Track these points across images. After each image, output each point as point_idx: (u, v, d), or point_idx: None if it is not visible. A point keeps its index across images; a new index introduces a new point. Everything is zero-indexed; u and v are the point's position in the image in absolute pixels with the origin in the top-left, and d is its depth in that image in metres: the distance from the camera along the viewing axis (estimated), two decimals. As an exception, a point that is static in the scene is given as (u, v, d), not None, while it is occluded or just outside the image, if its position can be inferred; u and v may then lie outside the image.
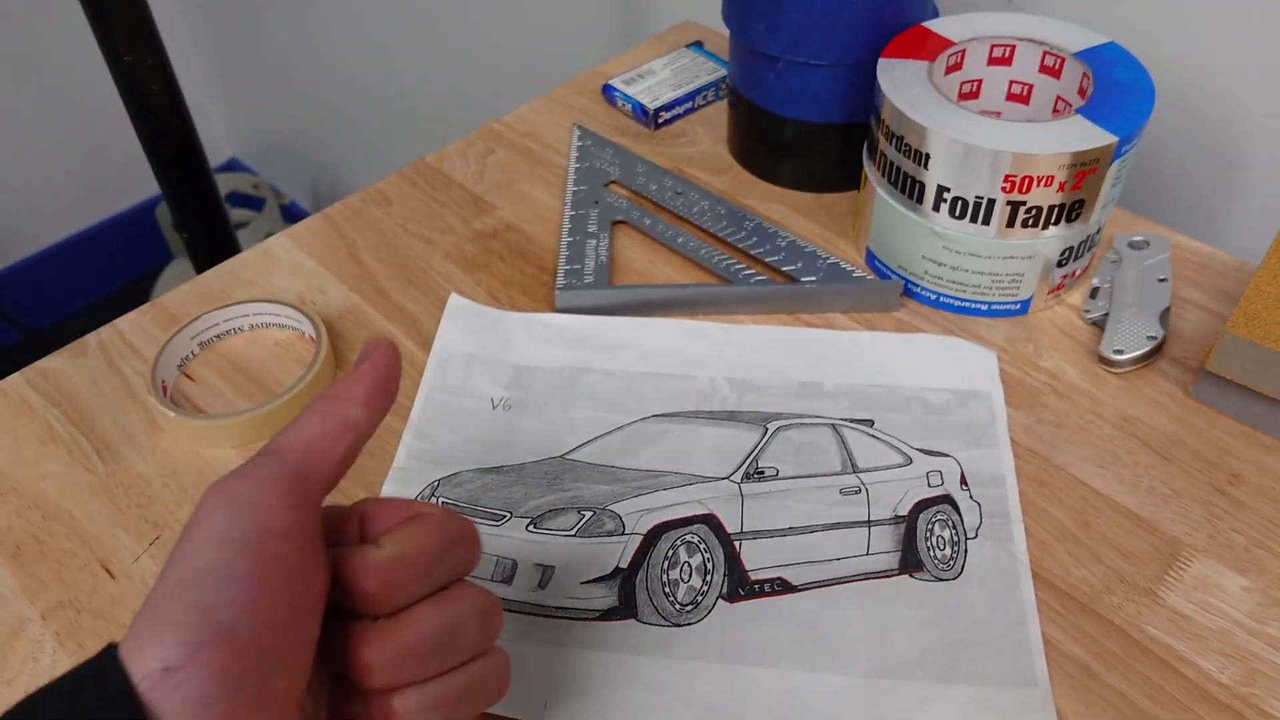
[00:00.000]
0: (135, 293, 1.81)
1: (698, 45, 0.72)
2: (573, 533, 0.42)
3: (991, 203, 0.48)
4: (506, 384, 0.50)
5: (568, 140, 0.65)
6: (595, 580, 0.41)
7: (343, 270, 0.57)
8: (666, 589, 0.41)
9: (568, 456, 0.47)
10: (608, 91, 0.68)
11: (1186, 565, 0.42)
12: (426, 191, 0.62)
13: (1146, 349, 0.49)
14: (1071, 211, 0.48)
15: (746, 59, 0.58)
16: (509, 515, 0.43)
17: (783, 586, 0.42)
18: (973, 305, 0.52)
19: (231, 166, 1.93)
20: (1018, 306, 0.52)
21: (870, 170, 0.53)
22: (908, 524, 0.44)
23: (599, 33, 1.00)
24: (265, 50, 1.59)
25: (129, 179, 1.77)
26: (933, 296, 0.53)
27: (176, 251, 1.72)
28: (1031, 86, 0.54)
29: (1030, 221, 0.48)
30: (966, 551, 0.43)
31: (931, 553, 0.43)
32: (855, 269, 0.54)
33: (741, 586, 0.42)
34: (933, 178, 0.49)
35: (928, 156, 0.48)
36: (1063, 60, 0.52)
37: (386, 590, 0.29)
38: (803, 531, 0.43)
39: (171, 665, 0.24)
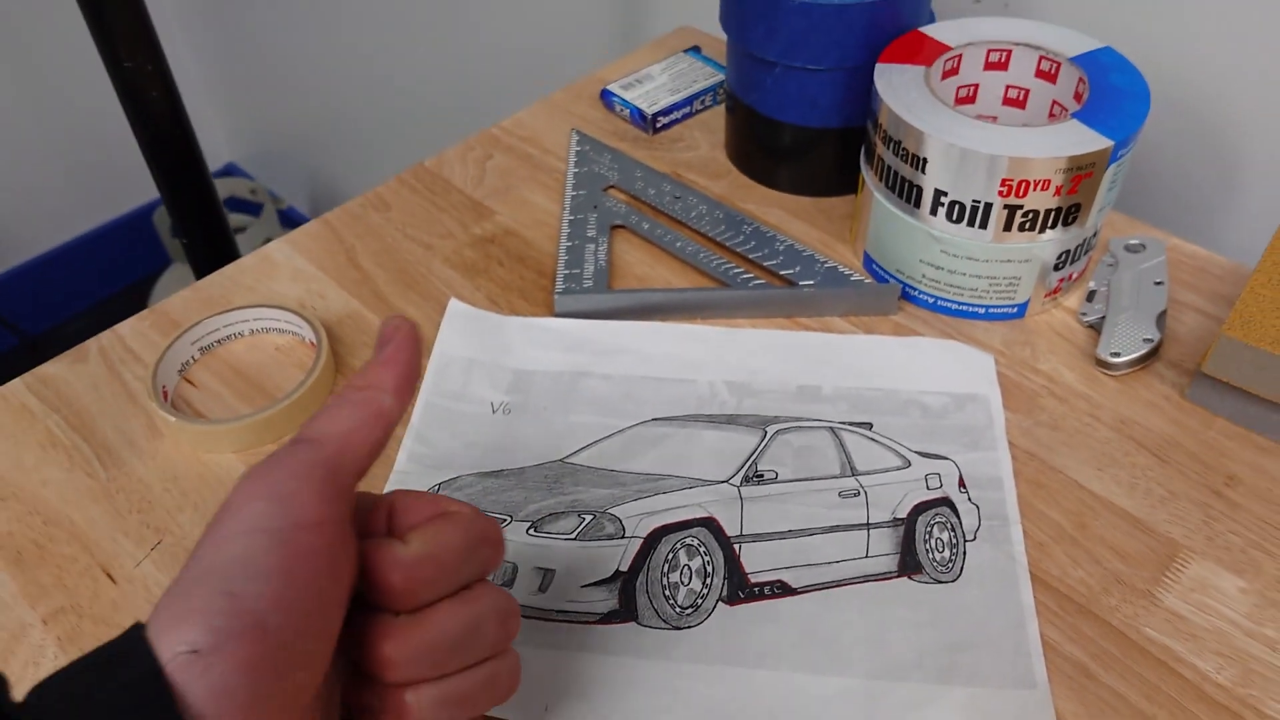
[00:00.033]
0: (132, 298, 1.81)
1: (695, 50, 0.72)
2: (573, 536, 0.43)
3: (988, 207, 0.48)
4: (506, 388, 0.50)
5: (566, 145, 0.65)
6: (596, 584, 0.41)
7: (342, 275, 0.57)
8: (667, 592, 0.41)
9: (568, 460, 0.47)
10: (606, 96, 0.68)
11: (1184, 567, 0.42)
12: (426, 196, 0.62)
13: (1143, 352, 0.49)
14: (1068, 215, 0.48)
15: (744, 64, 0.58)
16: (509, 519, 0.43)
17: (782, 589, 0.42)
18: (970, 309, 0.53)
19: (229, 171, 1.93)
20: (1015, 310, 0.53)
21: (868, 174, 0.54)
22: (907, 526, 0.44)
23: (597, 38, 1.00)
24: (262, 55, 1.59)
25: (126, 184, 1.77)
26: (930, 300, 0.53)
27: (174, 257, 1.72)
28: (1028, 91, 0.54)
29: (1027, 225, 0.49)
30: (965, 554, 0.43)
31: (930, 555, 0.43)
32: (853, 273, 0.54)
33: (741, 589, 0.42)
34: (930, 182, 0.49)
35: (925, 161, 0.48)
36: (1059, 65, 0.52)
37: (412, 587, 0.29)
38: (802, 534, 0.43)
39: (199, 650, 0.24)
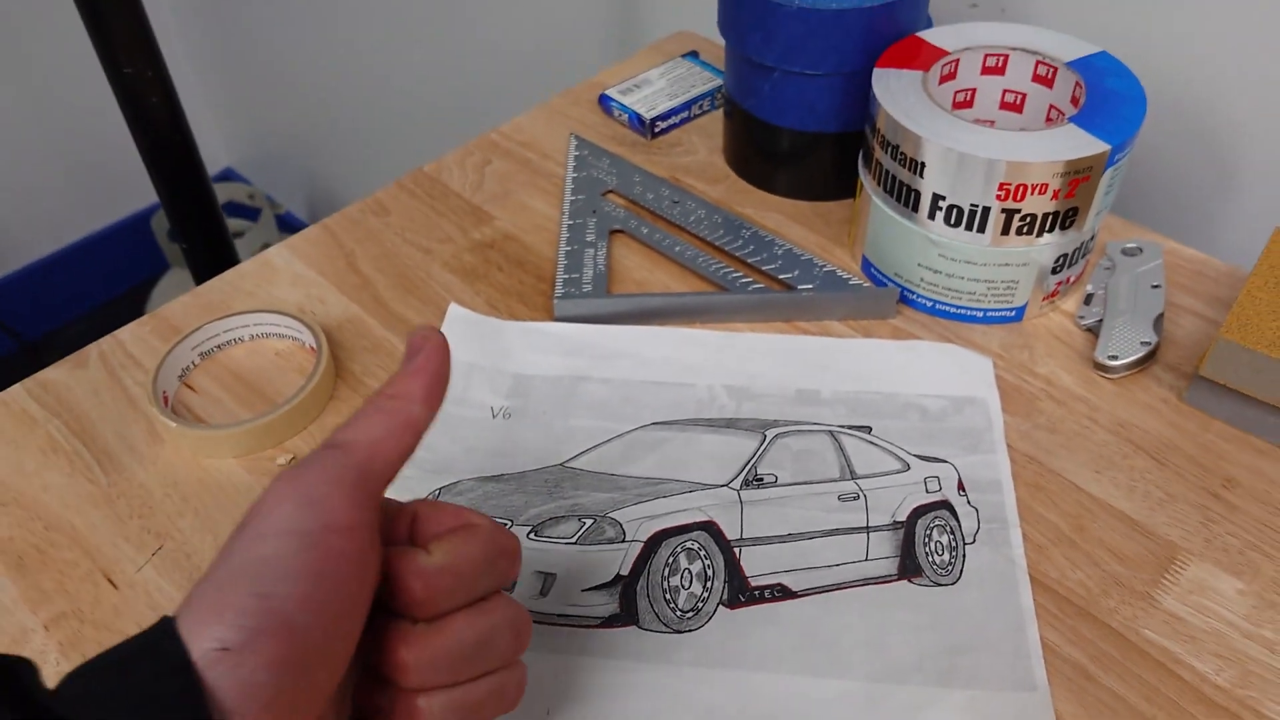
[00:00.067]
0: (130, 303, 1.81)
1: (693, 55, 0.73)
2: (573, 540, 0.43)
3: (986, 210, 0.48)
4: (506, 393, 0.50)
5: (565, 150, 0.65)
6: (596, 588, 0.41)
7: (342, 280, 0.57)
8: (667, 596, 0.41)
9: (568, 465, 0.47)
10: (604, 101, 0.68)
11: (1182, 569, 0.42)
12: (425, 201, 0.62)
13: (1140, 355, 0.50)
14: (1065, 219, 0.49)
15: (742, 69, 0.58)
16: (510, 523, 0.44)
17: (783, 592, 0.42)
18: (968, 312, 0.53)
19: (227, 176, 1.93)
20: (1013, 313, 0.53)
21: (866, 179, 0.54)
22: (906, 530, 0.44)
23: (595, 43, 1.00)
24: (260, 60, 1.59)
25: (124, 189, 1.77)
26: (929, 304, 0.53)
27: (172, 261, 1.72)
28: (1025, 95, 0.54)
29: (1025, 229, 0.49)
30: (965, 556, 0.43)
31: (930, 558, 0.43)
32: (851, 277, 0.55)
33: (742, 593, 0.42)
34: (928, 186, 0.49)
35: (923, 165, 0.48)
36: (1055, 69, 0.52)
37: (432, 596, 0.30)
38: (802, 538, 0.43)
39: (230, 647, 0.25)
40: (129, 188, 1.76)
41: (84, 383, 0.51)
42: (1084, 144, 0.47)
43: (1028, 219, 0.48)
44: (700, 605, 0.41)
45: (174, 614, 0.26)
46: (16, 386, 0.51)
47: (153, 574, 0.43)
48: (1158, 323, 0.51)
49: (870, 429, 0.48)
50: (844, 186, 0.60)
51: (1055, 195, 0.47)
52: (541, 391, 0.50)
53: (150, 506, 0.46)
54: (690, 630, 0.41)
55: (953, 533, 0.44)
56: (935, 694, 0.38)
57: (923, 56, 0.52)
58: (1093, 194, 0.48)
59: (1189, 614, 0.41)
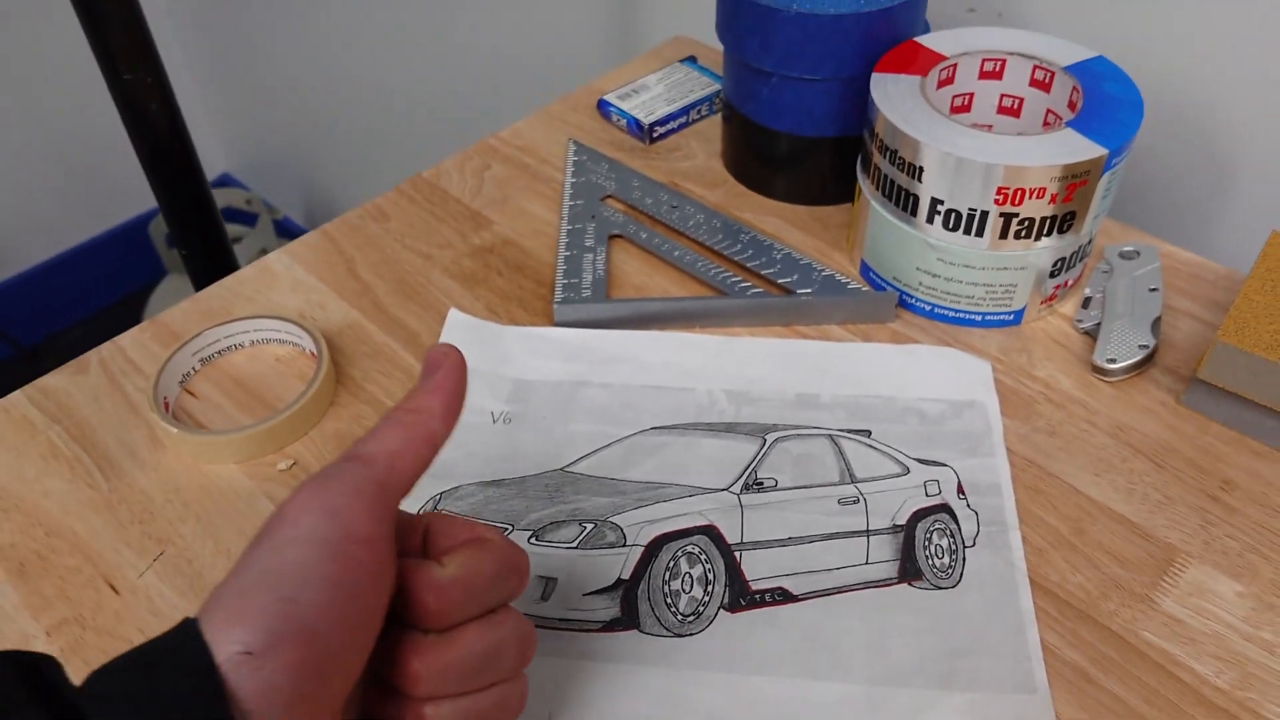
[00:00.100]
0: (127, 309, 1.81)
1: (691, 60, 0.73)
2: (574, 545, 0.43)
3: (984, 215, 0.48)
4: (506, 398, 0.50)
5: (564, 155, 0.66)
6: (597, 592, 0.42)
7: (342, 286, 0.57)
8: (668, 599, 0.41)
9: (568, 469, 0.47)
10: (603, 106, 0.68)
11: (1181, 571, 0.43)
12: (424, 207, 0.62)
13: (1139, 358, 0.50)
14: (1063, 223, 0.49)
15: (741, 74, 0.59)
16: (511, 528, 0.44)
17: (783, 596, 0.42)
18: (967, 316, 0.53)
19: (224, 182, 1.93)
20: (1011, 317, 0.53)
21: (864, 183, 0.54)
22: (906, 533, 0.44)
23: (593, 48, 1.00)
24: (257, 65, 1.59)
25: (121, 195, 1.77)
26: (927, 308, 0.54)
27: (170, 267, 1.72)
28: (1022, 100, 0.55)
29: (1023, 233, 0.49)
30: (965, 560, 0.43)
31: (930, 561, 0.43)
32: (850, 281, 0.55)
33: (742, 596, 0.42)
34: (926, 190, 0.49)
35: (921, 170, 0.49)
36: (1052, 74, 0.52)
37: (444, 608, 0.30)
38: (802, 541, 0.43)
39: (253, 651, 0.25)
40: (126, 194, 1.76)
41: (84, 389, 0.51)
42: (1081, 148, 0.47)
43: (1026, 223, 0.48)
44: (701, 609, 0.41)
45: (195, 616, 0.27)
46: (17, 393, 0.51)
47: (154, 579, 0.43)
48: (1155, 326, 0.51)
49: (870, 433, 0.48)
50: (842, 191, 0.60)
51: (1053, 199, 0.48)
52: (541, 396, 0.50)
53: (151, 512, 0.46)
54: (691, 634, 0.41)
55: (953, 536, 0.44)
56: (936, 697, 0.39)
57: (920, 61, 0.53)
58: (1090, 198, 0.48)
59: (1188, 616, 0.41)
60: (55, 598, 0.43)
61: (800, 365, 0.52)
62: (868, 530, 0.44)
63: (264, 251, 1.62)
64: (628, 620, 0.41)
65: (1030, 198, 0.47)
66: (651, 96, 0.68)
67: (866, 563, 0.43)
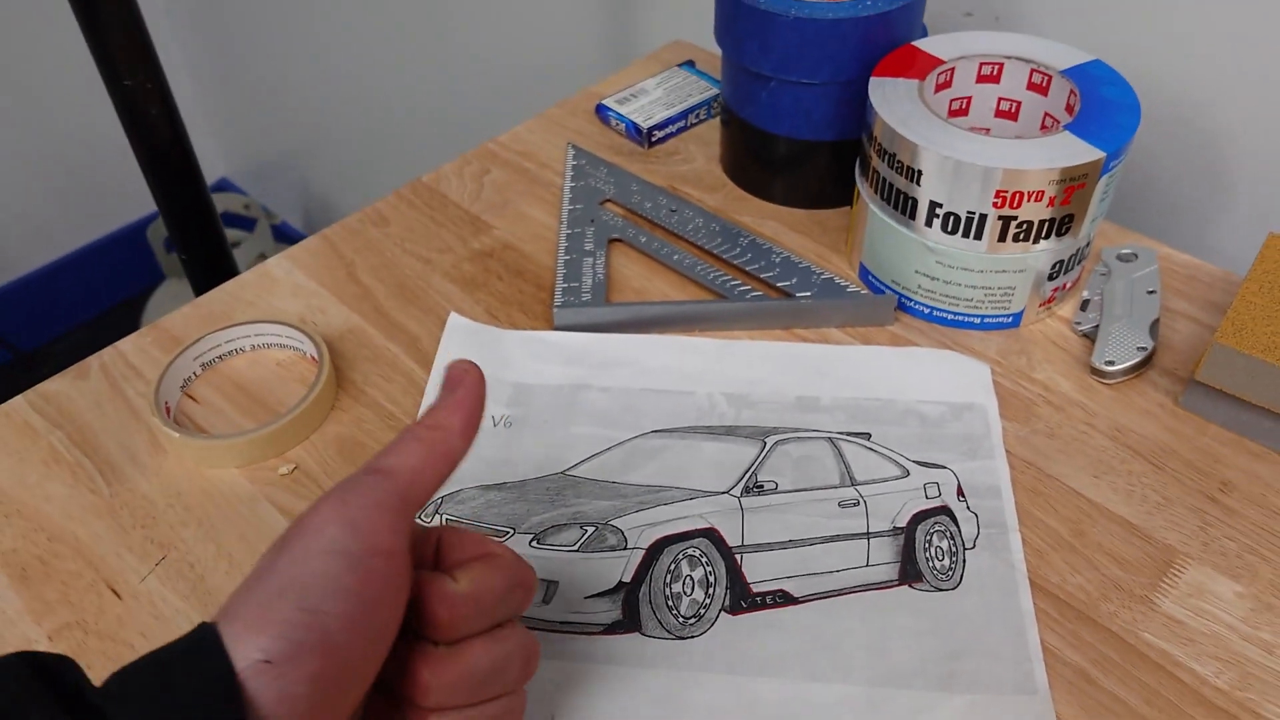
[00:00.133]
0: (126, 314, 1.81)
1: (689, 64, 0.73)
2: (575, 548, 0.43)
3: (983, 218, 0.49)
4: (507, 402, 0.51)
5: (563, 159, 0.66)
6: (599, 595, 0.42)
7: (342, 290, 0.57)
8: (669, 602, 0.42)
9: (569, 473, 0.47)
10: (601, 111, 0.69)
11: (1180, 572, 0.43)
12: (424, 211, 0.62)
13: (1137, 360, 0.50)
14: (1061, 225, 0.49)
15: (739, 78, 0.59)
16: (512, 532, 0.44)
17: (784, 598, 0.42)
18: (966, 319, 0.53)
19: (222, 187, 1.93)
20: (1010, 319, 0.53)
21: (863, 186, 0.54)
22: (906, 535, 0.44)
23: (591, 52, 1.00)
24: (256, 71, 1.59)
25: (119, 200, 1.77)
26: (926, 310, 0.54)
27: (168, 272, 1.72)
28: (1020, 103, 0.55)
29: (1021, 236, 0.49)
30: (965, 561, 0.43)
31: (930, 563, 0.43)
32: (849, 284, 0.55)
33: (743, 599, 0.42)
34: (925, 194, 0.49)
35: (920, 173, 0.49)
36: (1050, 78, 0.53)
37: (456, 621, 0.31)
38: (803, 544, 0.44)
39: (273, 659, 0.26)
40: (124, 199, 1.76)
41: (86, 394, 0.52)
42: (1079, 151, 0.47)
43: (1024, 226, 0.49)
44: (702, 611, 0.42)
45: (213, 620, 0.27)
46: (18, 398, 0.51)
47: (156, 584, 0.43)
48: (1153, 328, 0.51)
49: (869, 435, 0.48)
50: (841, 194, 0.60)
51: (1051, 202, 0.48)
52: (542, 400, 0.51)
53: (153, 517, 0.46)
54: (693, 636, 0.41)
55: (953, 538, 0.44)
56: (936, 698, 0.39)
57: (918, 65, 0.53)
58: (1088, 201, 0.48)
59: (1188, 617, 0.41)
60: (57, 602, 0.43)
61: (800, 368, 0.52)
62: (868, 532, 0.44)
63: (263, 256, 1.62)
64: (629, 623, 0.41)
65: (1028, 201, 0.48)
66: (650, 101, 0.69)
67: (867, 565, 0.43)
